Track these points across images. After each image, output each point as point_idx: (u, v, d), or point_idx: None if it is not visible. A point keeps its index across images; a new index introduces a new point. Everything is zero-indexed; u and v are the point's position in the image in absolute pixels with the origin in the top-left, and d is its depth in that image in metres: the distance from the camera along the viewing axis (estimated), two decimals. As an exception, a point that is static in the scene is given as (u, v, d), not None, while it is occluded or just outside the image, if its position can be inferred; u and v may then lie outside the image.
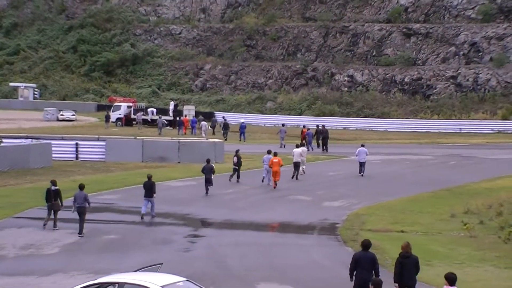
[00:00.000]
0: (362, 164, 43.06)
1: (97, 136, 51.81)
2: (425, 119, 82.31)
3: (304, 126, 62.45)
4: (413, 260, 16.20)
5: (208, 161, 36.47)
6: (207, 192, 35.26)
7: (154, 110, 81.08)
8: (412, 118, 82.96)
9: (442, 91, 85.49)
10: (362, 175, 42.85)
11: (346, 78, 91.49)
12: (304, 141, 55.32)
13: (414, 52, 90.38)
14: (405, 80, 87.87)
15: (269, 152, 38.72)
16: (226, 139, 62.04)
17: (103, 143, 48.79)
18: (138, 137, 52.54)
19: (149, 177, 29.58)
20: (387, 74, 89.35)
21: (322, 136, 57.06)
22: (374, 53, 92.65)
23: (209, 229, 27.57)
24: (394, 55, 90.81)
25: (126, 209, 31.48)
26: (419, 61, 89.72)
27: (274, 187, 37.59)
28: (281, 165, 38.24)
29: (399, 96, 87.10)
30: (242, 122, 67.28)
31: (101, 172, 41.93)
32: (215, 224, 28.50)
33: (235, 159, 39.80)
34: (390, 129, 79.82)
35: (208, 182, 35.24)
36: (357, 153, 43.48)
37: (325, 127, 58.81)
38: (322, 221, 29.29)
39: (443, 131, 77.12)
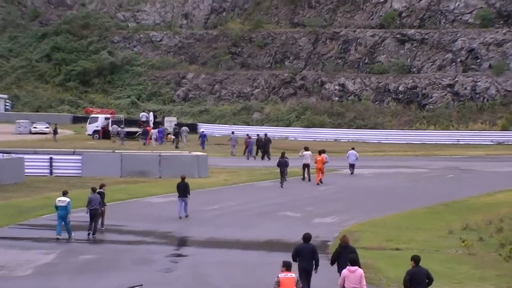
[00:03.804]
0: (351, 166, 49.79)
1: (72, 150, 51.60)
2: (421, 130, 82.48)
3: (247, 135, 65.58)
4: (349, 250, 19.49)
5: (282, 155, 44.48)
6: (282, 185, 42.62)
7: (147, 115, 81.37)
8: (407, 129, 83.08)
9: (438, 100, 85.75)
10: (352, 174, 49.48)
11: (337, 87, 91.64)
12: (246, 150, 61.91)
13: (408, 59, 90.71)
14: (400, 88, 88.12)
15: None
16: (177, 147, 67.05)
17: (79, 157, 48.57)
18: (116, 151, 52.35)
19: (183, 178, 33.53)
20: (380, 82, 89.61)
21: (262, 144, 61.22)
22: (366, 61, 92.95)
23: (192, 248, 27.47)
24: (388, 62, 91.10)
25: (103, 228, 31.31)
26: (414, 69, 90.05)
27: (318, 184, 44.10)
28: (325, 163, 44.79)
29: (393, 106, 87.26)
30: (202, 131, 71.50)
31: (77, 188, 41.64)
32: (198, 243, 28.38)
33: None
34: (384, 140, 79.91)
35: (283, 175, 42.57)
36: (347, 155, 50.31)
37: (267, 136, 62.97)
38: (313, 239, 29.14)
39: (440, 143, 77.30)
